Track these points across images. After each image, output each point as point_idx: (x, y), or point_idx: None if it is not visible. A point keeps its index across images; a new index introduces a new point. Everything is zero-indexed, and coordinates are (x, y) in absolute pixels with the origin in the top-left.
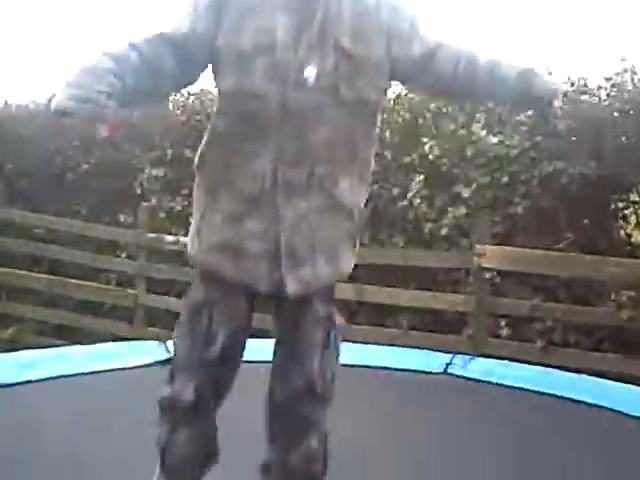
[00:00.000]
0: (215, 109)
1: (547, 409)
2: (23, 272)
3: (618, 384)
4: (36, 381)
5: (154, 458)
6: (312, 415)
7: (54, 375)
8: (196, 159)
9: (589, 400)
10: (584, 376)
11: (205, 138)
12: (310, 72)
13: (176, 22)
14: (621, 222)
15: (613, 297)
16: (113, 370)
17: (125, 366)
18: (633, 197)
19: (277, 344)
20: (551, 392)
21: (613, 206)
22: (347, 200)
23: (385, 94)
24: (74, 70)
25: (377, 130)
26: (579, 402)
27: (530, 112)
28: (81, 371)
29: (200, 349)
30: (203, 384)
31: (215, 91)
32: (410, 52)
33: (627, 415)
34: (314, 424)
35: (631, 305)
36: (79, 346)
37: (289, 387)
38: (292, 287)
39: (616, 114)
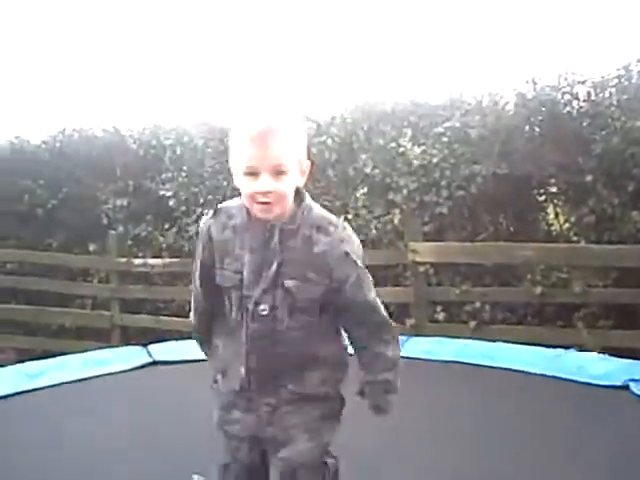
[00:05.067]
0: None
1: (470, 374)
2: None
3: (528, 347)
4: (42, 388)
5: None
6: None
7: (57, 382)
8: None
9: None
10: (499, 344)
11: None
12: (263, 307)
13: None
14: (543, 214)
15: (529, 277)
16: (109, 374)
17: (116, 370)
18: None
19: None
20: (474, 362)
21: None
22: (316, 391)
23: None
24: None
25: (333, 334)
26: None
27: (447, 124)
28: (80, 377)
29: None
30: None
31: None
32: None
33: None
34: None
35: (542, 282)
36: (76, 355)
37: None
38: (277, 465)
39: (521, 121)
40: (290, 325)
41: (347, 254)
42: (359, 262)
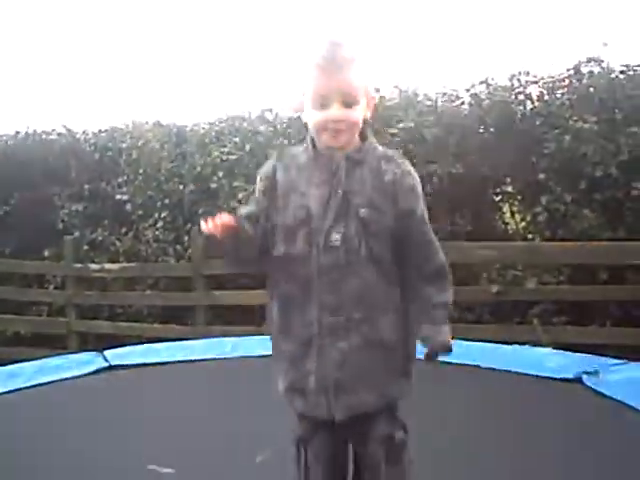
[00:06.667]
0: (271, 274)
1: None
2: None
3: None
4: None
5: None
6: None
7: (8, 390)
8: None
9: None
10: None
11: (268, 295)
12: (335, 237)
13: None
14: (499, 213)
15: (486, 276)
16: (62, 380)
17: (72, 375)
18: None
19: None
20: None
21: (492, 198)
22: (387, 337)
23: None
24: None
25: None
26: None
27: (401, 125)
28: (34, 383)
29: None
30: None
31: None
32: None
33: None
34: None
35: (498, 280)
36: (27, 362)
37: None
38: (338, 414)
39: (475, 121)
40: (363, 256)
41: (414, 187)
42: (422, 200)
